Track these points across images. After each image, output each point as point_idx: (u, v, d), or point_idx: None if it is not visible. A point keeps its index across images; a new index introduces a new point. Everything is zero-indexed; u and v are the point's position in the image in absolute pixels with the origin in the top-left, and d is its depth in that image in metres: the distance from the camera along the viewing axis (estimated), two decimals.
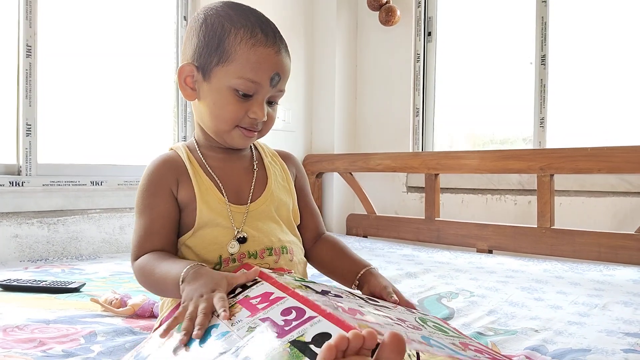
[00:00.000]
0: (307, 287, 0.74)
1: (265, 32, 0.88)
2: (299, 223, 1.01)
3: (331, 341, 0.54)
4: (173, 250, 0.89)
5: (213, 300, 0.70)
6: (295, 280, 0.78)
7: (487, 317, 1.19)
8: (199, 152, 0.94)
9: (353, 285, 0.95)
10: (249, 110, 0.87)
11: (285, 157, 1.04)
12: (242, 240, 0.88)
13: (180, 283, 0.76)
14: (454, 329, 0.83)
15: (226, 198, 0.90)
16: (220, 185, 0.91)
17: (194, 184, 0.90)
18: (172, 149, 0.97)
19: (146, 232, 0.88)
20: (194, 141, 0.97)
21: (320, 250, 1.03)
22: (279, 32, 0.91)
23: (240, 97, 0.87)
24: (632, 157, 1.81)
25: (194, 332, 0.66)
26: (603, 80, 2.20)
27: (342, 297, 0.73)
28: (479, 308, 1.26)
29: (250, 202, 0.92)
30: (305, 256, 1.00)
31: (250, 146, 1.00)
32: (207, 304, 0.69)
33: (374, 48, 2.82)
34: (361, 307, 0.71)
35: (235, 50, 0.86)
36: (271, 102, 0.91)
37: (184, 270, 0.76)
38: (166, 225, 0.88)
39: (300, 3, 2.77)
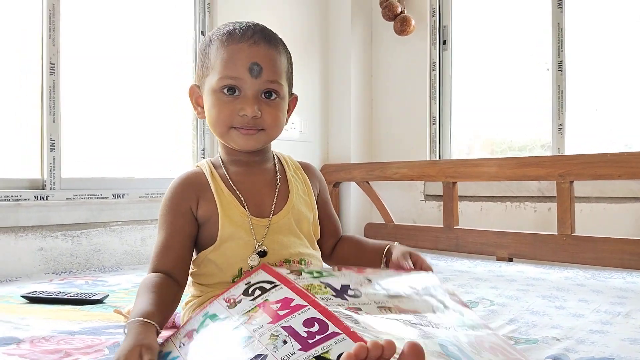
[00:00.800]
0: (327, 285, 0.74)
1: (242, 31, 0.90)
2: (319, 237, 1.02)
3: (351, 350, 0.55)
4: (185, 265, 0.92)
5: None
6: (313, 276, 0.78)
7: (508, 326, 1.18)
8: (222, 167, 0.96)
9: (382, 266, 0.96)
10: (238, 109, 0.88)
11: (308, 170, 1.04)
12: (262, 254, 0.89)
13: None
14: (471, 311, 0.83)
15: (248, 211, 0.92)
16: (242, 199, 0.92)
17: (216, 199, 0.91)
18: (197, 166, 0.99)
19: (163, 246, 0.92)
20: (219, 157, 0.99)
21: (342, 249, 1.05)
22: (266, 30, 0.92)
23: (227, 96, 0.88)
24: None
25: None
26: (621, 84, 2.18)
27: (360, 297, 0.74)
28: (500, 317, 1.26)
29: (272, 216, 0.93)
30: (329, 260, 1.01)
31: (274, 159, 1.01)
32: None
33: (389, 58, 2.83)
34: (378, 315, 0.71)
35: (215, 56, 0.90)
36: (270, 97, 0.91)
37: (128, 322, 0.78)
38: (182, 242, 0.92)
39: (315, 15, 2.80)
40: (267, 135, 0.92)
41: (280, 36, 0.96)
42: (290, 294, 0.71)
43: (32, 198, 1.87)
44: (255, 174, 0.97)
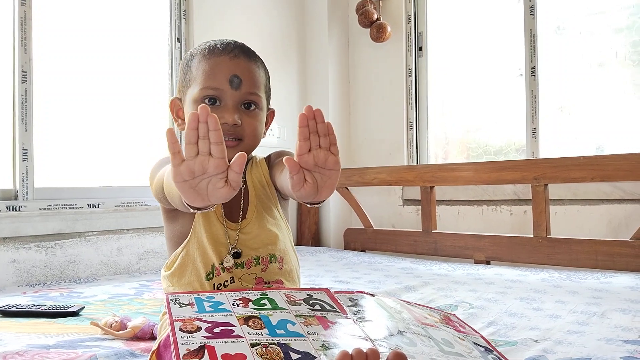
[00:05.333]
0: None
1: (223, 46, 0.94)
2: (287, 225, 1.01)
3: (335, 358, 0.56)
4: None
5: None
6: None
7: (487, 328, 1.20)
8: None
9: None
10: (219, 117, 0.89)
11: (270, 156, 1.04)
12: (236, 256, 0.92)
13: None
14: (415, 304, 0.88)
15: (223, 212, 0.94)
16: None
17: None
18: None
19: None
20: None
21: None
22: (245, 46, 0.96)
23: (208, 106, 0.89)
24: (624, 165, 1.83)
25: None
26: (593, 89, 2.23)
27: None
28: (479, 320, 1.27)
29: (242, 220, 0.95)
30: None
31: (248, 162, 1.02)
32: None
33: (366, 64, 2.85)
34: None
35: (197, 69, 0.93)
36: (249, 108, 0.93)
37: None
38: None
39: (292, 22, 2.81)
40: (245, 145, 0.94)
41: (257, 44, 0.99)
42: (347, 323, 0.75)
43: (4, 209, 1.82)
44: None
